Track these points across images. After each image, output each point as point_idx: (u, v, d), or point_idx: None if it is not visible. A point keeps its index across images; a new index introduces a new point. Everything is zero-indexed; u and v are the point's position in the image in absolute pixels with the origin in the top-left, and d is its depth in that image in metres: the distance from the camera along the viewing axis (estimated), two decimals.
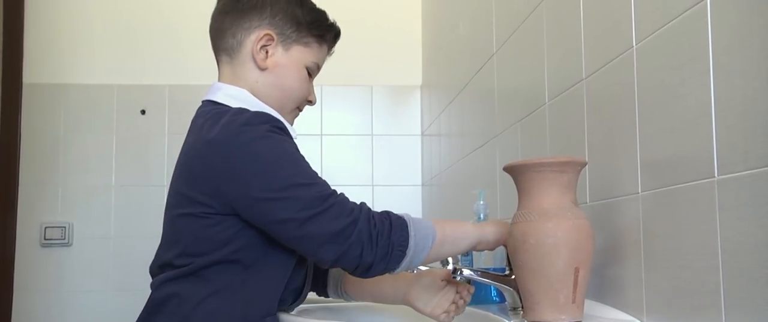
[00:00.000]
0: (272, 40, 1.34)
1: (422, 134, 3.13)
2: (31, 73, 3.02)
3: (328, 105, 3.12)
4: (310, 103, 1.42)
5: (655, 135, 1.07)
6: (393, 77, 3.18)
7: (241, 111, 1.26)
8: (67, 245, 2.98)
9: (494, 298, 1.53)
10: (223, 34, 1.36)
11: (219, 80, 1.37)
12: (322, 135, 3.11)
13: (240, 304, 1.24)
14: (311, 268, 1.39)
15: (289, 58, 1.35)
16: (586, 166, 1.27)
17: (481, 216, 1.60)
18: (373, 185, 3.11)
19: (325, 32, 1.39)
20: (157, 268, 1.31)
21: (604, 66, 1.24)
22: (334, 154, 3.12)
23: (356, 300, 1.47)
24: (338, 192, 1.22)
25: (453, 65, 2.53)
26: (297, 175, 1.20)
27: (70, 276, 2.97)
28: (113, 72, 3.07)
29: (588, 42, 1.32)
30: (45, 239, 2.96)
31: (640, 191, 1.11)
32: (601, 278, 1.24)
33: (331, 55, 1.44)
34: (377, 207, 3.23)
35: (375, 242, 1.17)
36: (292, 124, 1.38)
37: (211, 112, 1.29)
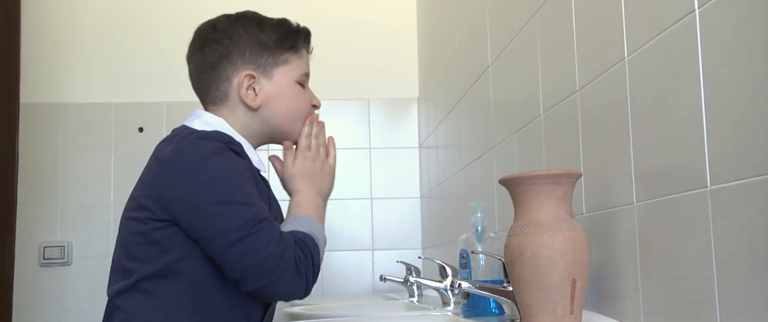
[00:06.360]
0: (254, 77, 1.36)
1: (420, 147, 3.13)
2: (28, 93, 3.03)
3: (325, 119, 3.10)
4: (316, 107, 1.44)
5: (649, 146, 1.07)
6: (390, 90, 3.19)
7: (202, 131, 1.32)
8: (67, 264, 2.98)
9: (493, 310, 1.53)
10: (206, 91, 1.40)
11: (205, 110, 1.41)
12: None
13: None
14: None
15: (276, 84, 1.37)
16: (582, 177, 1.28)
17: (479, 228, 1.60)
18: (371, 198, 3.12)
19: (295, 41, 1.40)
20: (111, 272, 1.34)
21: (597, 77, 1.25)
22: None
23: None
24: (274, 220, 1.25)
25: (449, 78, 2.54)
26: (238, 192, 1.22)
27: (69, 295, 2.97)
28: (110, 90, 3.08)
29: (581, 54, 1.33)
30: (44, 258, 2.96)
31: (634, 201, 1.12)
32: (599, 289, 1.24)
33: (311, 52, 1.45)
34: (377, 220, 3.23)
35: (304, 273, 1.21)
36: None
37: (179, 131, 1.35)
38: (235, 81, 1.35)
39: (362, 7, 3.20)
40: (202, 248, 1.23)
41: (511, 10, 1.75)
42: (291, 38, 1.39)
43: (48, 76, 3.07)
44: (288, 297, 1.26)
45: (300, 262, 1.20)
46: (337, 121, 3.17)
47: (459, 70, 2.36)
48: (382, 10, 3.20)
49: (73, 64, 3.09)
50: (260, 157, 1.39)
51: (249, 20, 1.39)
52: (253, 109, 1.36)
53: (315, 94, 1.45)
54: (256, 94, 1.36)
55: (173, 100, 3.04)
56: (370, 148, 3.16)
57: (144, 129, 3.03)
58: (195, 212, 1.21)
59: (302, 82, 1.40)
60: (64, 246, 2.97)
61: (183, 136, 1.29)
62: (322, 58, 3.11)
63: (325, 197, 1.39)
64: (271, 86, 1.37)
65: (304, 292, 1.23)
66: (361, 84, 3.17)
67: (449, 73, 2.54)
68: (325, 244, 1.30)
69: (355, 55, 3.15)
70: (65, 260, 2.97)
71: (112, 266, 1.34)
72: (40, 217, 2.99)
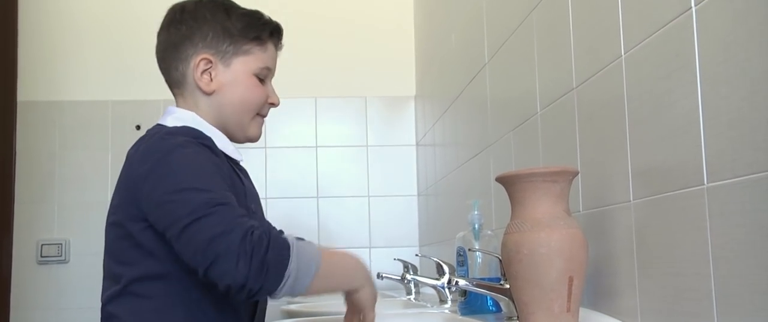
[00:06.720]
0: (211, 62, 1.35)
1: (417, 144, 3.13)
2: (25, 91, 3.02)
3: (322, 117, 3.13)
4: (273, 105, 1.42)
5: (646, 143, 1.08)
6: (387, 88, 3.19)
7: (172, 127, 1.31)
8: (64, 261, 2.98)
9: (490, 308, 1.53)
10: (167, 71, 1.40)
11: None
12: (317, 147, 3.12)
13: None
14: None
15: (232, 73, 1.36)
16: (578, 175, 1.28)
17: (476, 226, 1.61)
18: (369, 196, 3.12)
19: (260, 33, 1.38)
20: (103, 280, 1.32)
21: (593, 75, 1.25)
22: (330, 165, 3.12)
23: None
24: (236, 206, 1.16)
25: (446, 76, 2.55)
26: (195, 180, 1.18)
27: (67, 293, 2.97)
28: (107, 88, 3.08)
29: (578, 51, 1.33)
30: (41, 256, 2.96)
31: (631, 199, 1.12)
32: (595, 287, 1.24)
33: (280, 49, 1.43)
34: (374, 218, 3.22)
35: (249, 257, 1.08)
36: (259, 133, 1.41)
37: (151, 130, 1.35)
38: (192, 63, 1.35)
39: (359, 5, 3.20)
40: (167, 241, 1.19)
41: (508, 7, 1.75)
42: (256, 29, 1.37)
43: (45, 74, 3.06)
44: (230, 283, 1.09)
45: (247, 244, 1.08)
46: (334, 118, 3.18)
47: (456, 68, 2.36)
48: (379, 7, 3.20)
49: (71, 61, 3.08)
50: (236, 147, 1.38)
51: (218, 5, 1.38)
52: (206, 94, 1.35)
53: (275, 91, 1.41)
54: (210, 80, 1.35)
55: (170, 98, 3.02)
56: (367, 146, 3.16)
57: (141, 127, 3.03)
58: (155, 204, 1.19)
59: (262, 76, 1.39)
60: (61, 244, 2.97)
61: (152, 135, 1.30)
62: (320, 55, 3.15)
63: (343, 274, 1.22)
64: (227, 74, 1.36)
65: (245, 278, 1.08)
66: (359, 81, 3.17)
67: (446, 71, 2.55)
68: (314, 267, 1.13)
69: (352, 53, 3.15)
70: (63, 257, 2.97)
71: (103, 275, 1.33)
72: (37, 215, 2.99)
